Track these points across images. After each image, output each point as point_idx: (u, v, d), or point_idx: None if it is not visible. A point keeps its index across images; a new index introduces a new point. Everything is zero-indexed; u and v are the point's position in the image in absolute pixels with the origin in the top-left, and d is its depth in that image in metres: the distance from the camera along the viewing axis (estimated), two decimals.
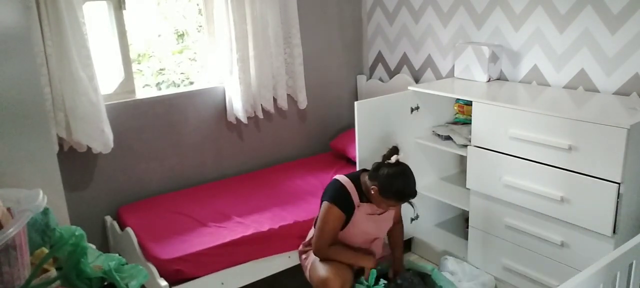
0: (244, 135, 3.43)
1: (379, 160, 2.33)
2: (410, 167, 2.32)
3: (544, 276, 2.44)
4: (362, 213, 2.32)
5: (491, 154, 2.51)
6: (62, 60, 2.55)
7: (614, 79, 2.48)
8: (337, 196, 2.30)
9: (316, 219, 2.41)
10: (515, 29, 2.83)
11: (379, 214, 2.36)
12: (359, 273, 2.37)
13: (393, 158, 2.26)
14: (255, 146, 3.50)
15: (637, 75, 2.40)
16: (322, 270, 2.30)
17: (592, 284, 1.55)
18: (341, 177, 2.36)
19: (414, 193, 2.26)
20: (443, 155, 3.08)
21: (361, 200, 2.32)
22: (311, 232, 2.51)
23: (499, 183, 2.49)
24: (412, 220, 3.08)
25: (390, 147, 2.33)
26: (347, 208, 2.30)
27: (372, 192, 2.26)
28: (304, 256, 2.52)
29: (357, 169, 2.76)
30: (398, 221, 2.56)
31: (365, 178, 2.33)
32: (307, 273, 2.46)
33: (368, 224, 2.35)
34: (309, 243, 2.49)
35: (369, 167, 2.39)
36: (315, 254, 2.35)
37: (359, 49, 3.87)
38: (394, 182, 2.21)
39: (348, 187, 2.31)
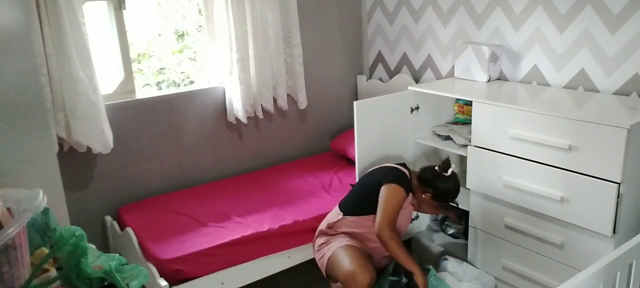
0: (244, 135, 3.43)
1: (428, 167, 2.57)
2: (412, 166, 2.38)
3: (544, 276, 2.44)
4: (407, 202, 2.49)
5: (491, 154, 2.51)
6: (62, 60, 2.55)
7: (614, 79, 2.48)
8: (402, 178, 2.46)
9: (342, 202, 2.56)
10: (515, 29, 2.83)
11: (409, 209, 2.54)
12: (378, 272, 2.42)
13: (449, 171, 2.49)
14: (255, 146, 3.50)
15: (637, 75, 2.40)
16: (347, 263, 2.32)
17: (592, 284, 1.55)
18: (395, 165, 2.54)
19: (455, 197, 2.58)
20: (443, 155, 3.08)
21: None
22: (333, 215, 2.54)
23: (499, 183, 2.49)
24: (412, 220, 3.08)
25: (444, 159, 2.57)
26: (408, 191, 2.46)
27: (424, 196, 2.51)
28: (322, 240, 2.51)
29: (356, 169, 2.77)
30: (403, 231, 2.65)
31: (413, 177, 2.54)
32: (322, 261, 2.46)
33: (403, 214, 2.48)
34: (333, 226, 2.49)
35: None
36: (380, 234, 2.35)
37: (359, 49, 3.87)
38: (451, 192, 2.51)
39: (407, 174, 2.51)
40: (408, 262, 2.34)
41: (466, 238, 2.87)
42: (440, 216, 3.15)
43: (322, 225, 2.56)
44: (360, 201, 2.50)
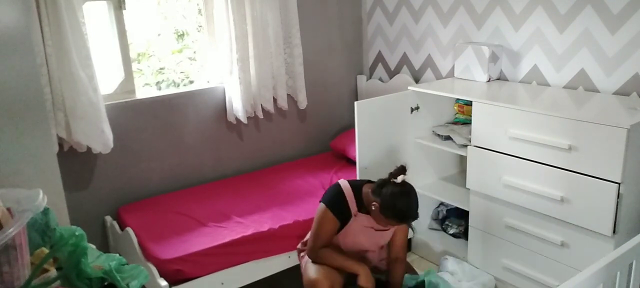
0: (244, 135, 3.43)
1: (385, 176, 2.26)
2: (410, 166, 2.30)
3: (544, 276, 2.45)
4: (358, 223, 2.28)
5: (491, 154, 2.51)
6: (62, 60, 2.55)
7: (614, 79, 2.48)
8: (334, 201, 2.28)
9: None
10: (515, 29, 2.83)
11: (377, 230, 2.29)
12: (350, 278, 2.31)
13: (399, 178, 2.19)
14: (255, 146, 3.50)
15: (637, 75, 2.40)
16: (312, 271, 2.29)
17: (592, 284, 1.55)
18: (343, 183, 2.33)
19: (415, 216, 2.22)
20: (443, 155, 3.08)
21: (360, 210, 2.28)
22: (309, 233, 2.51)
23: (499, 183, 2.49)
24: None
25: (399, 165, 2.26)
26: (341, 215, 2.27)
27: (373, 207, 2.21)
28: (301, 254, 2.52)
29: (357, 169, 2.77)
30: (399, 257, 2.41)
31: (368, 190, 2.27)
32: (303, 272, 2.46)
33: (362, 236, 2.31)
34: (305, 243, 2.49)
35: (372, 177, 2.38)
36: (308, 255, 2.34)
37: (359, 49, 3.87)
38: (397, 202, 2.15)
39: (347, 194, 2.28)
40: (347, 266, 2.27)
41: (467, 238, 2.88)
42: (440, 215, 3.15)
43: (299, 245, 2.55)
44: None
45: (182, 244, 2.50)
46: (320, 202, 2.33)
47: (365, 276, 2.24)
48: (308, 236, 2.47)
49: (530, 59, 2.79)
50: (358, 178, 2.77)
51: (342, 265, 2.28)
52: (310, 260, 2.35)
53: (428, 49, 3.37)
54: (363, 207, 2.28)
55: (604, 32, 2.46)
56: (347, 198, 2.28)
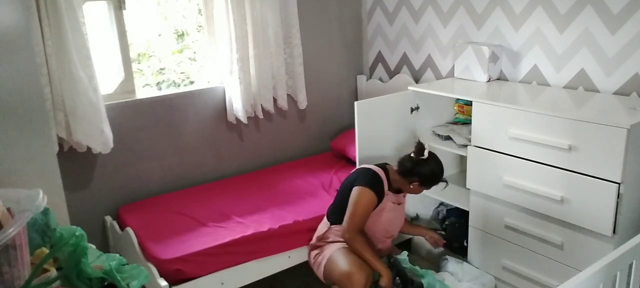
0: (244, 135, 3.43)
1: (404, 156, 2.52)
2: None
3: (544, 276, 2.44)
4: (388, 201, 2.47)
5: (491, 154, 2.51)
6: (62, 60, 2.55)
7: (614, 79, 2.48)
8: (373, 181, 2.42)
9: (328, 212, 2.57)
10: (515, 29, 2.83)
11: (398, 204, 2.54)
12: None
13: (426, 153, 2.46)
14: (255, 146, 3.50)
15: (637, 75, 2.40)
16: (343, 263, 2.33)
17: (592, 284, 1.55)
18: (370, 166, 2.50)
19: (442, 177, 2.53)
20: (443, 155, 3.06)
21: (389, 190, 2.47)
22: (322, 226, 2.55)
23: (499, 183, 2.49)
24: (412, 220, 3.08)
25: (416, 143, 2.50)
26: (379, 193, 2.42)
27: (412, 187, 2.47)
28: (315, 251, 2.53)
29: (357, 166, 2.77)
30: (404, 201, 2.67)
31: (394, 173, 2.50)
32: (319, 269, 2.47)
33: (391, 213, 2.50)
34: (322, 238, 2.50)
35: (372, 164, 2.51)
36: (343, 236, 2.40)
37: (359, 49, 3.87)
38: (435, 174, 2.47)
39: (381, 175, 2.45)
40: (373, 263, 2.35)
41: (451, 248, 2.90)
42: (440, 215, 3.15)
43: (313, 239, 2.58)
44: (343, 208, 2.46)
45: (182, 244, 2.50)
46: (356, 185, 2.43)
47: (387, 278, 2.33)
48: (323, 230, 2.52)
49: (530, 59, 2.79)
50: None
51: (370, 260, 2.36)
52: (335, 253, 2.39)
53: (428, 49, 3.37)
54: (391, 187, 2.49)
55: (604, 32, 2.46)
56: (382, 179, 2.45)
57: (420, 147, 2.47)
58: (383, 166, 2.52)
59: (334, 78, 3.79)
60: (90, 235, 2.16)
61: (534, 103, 2.49)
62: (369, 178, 2.44)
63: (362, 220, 2.39)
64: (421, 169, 2.45)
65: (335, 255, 2.40)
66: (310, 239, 2.62)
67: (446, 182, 2.58)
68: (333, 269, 2.38)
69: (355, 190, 2.42)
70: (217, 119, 3.30)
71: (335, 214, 2.50)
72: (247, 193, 3.07)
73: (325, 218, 2.57)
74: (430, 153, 2.48)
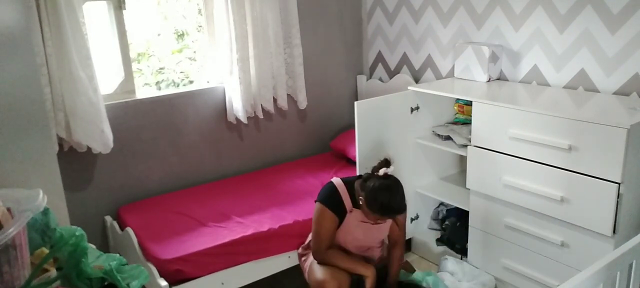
0: (244, 135, 3.43)
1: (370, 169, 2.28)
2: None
3: (544, 276, 2.44)
4: (354, 219, 2.28)
5: (491, 154, 2.51)
6: (62, 60, 2.55)
7: (614, 79, 2.48)
8: (328, 198, 2.29)
9: None
10: (515, 29, 2.83)
11: (373, 224, 2.27)
12: (358, 280, 2.33)
13: (382, 171, 2.19)
14: (255, 146, 3.50)
15: (637, 75, 2.40)
16: (319, 272, 2.30)
17: (592, 284, 1.55)
18: (336, 180, 2.35)
19: (400, 209, 2.18)
20: (443, 155, 3.08)
21: (355, 206, 2.28)
22: (310, 235, 2.51)
23: (499, 183, 2.49)
24: (412, 220, 3.08)
25: (382, 158, 2.26)
26: (337, 210, 2.27)
27: (361, 202, 2.22)
28: (303, 258, 2.52)
29: (357, 169, 2.77)
30: (398, 243, 2.42)
31: (358, 185, 2.27)
32: (306, 275, 2.47)
33: (359, 231, 2.31)
34: (308, 246, 2.49)
35: (370, 167, 2.37)
36: (313, 257, 2.35)
37: (359, 49, 3.87)
38: (379, 195, 2.14)
39: (340, 190, 2.30)
40: (357, 268, 2.28)
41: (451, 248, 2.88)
42: (440, 215, 3.15)
43: (300, 249, 2.58)
44: None
45: (182, 244, 2.50)
46: (315, 201, 2.34)
47: (372, 278, 2.26)
48: (309, 239, 2.47)
49: (530, 59, 2.79)
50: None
51: (349, 266, 2.28)
52: (315, 262, 2.35)
53: (428, 49, 3.37)
54: (357, 203, 2.27)
55: (604, 32, 2.46)
56: (341, 194, 2.29)
57: (382, 163, 2.23)
58: (353, 180, 2.32)
59: (334, 78, 3.79)
60: (90, 235, 2.16)
61: (534, 103, 2.49)
62: (325, 194, 2.30)
63: (325, 238, 2.27)
64: (368, 185, 2.17)
65: (313, 263, 2.38)
66: None
67: (392, 215, 2.24)
68: (311, 277, 2.37)
69: (315, 207, 2.32)
70: (217, 119, 3.30)
71: None
72: (247, 193, 3.07)
73: None
74: (387, 175, 2.18)
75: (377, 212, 2.16)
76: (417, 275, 2.51)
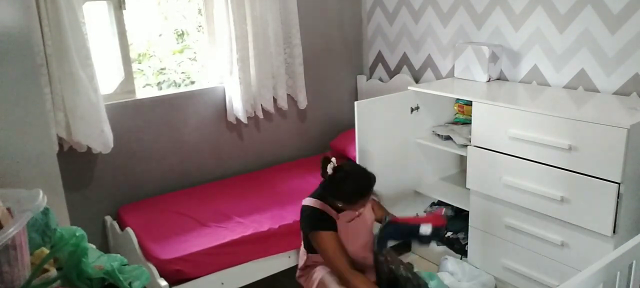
0: (244, 135, 3.43)
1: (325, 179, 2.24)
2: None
3: (544, 276, 2.44)
4: (343, 222, 2.26)
5: (491, 154, 2.51)
6: (62, 60, 2.55)
7: (614, 79, 2.48)
8: (317, 221, 2.24)
9: (304, 240, 2.38)
10: (515, 29, 2.83)
11: (359, 215, 2.30)
12: None
13: (329, 169, 2.20)
14: (255, 146, 3.50)
15: (637, 75, 2.40)
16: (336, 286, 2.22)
17: (592, 284, 1.55)
18: (309, 201, 2.29)
19: (370, 182, 2.19)
20: (443, 155, 3.08)
21: (338, 212, 2.26)
22: (301, 255, 2.43)
23: (499, 183, 2.49)
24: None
25: (322, 160, 2.26)
26: (330, 225, 2.23)
27: (341, 206, 2.21)
28: (303, 278, 2.44)
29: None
30: (375, 205, 2.47)
31: (328, 195, 2.25)
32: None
33: (355, 228, 2.30)
34: (304, 268, 2.42)
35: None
36: (344, 285, 2.21)
37: (359, 49, 3.87)
38: (345, 187, 2.17)
39: (319, 207, 2.25)
40: None
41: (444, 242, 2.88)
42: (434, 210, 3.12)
43: (297, 272, 2.48)
44: (307, 242, 2.36)
45: (182, 244, 2.50)
46: (309, 233, 2.27)
47: None
48: (302, 262, 2.41)
49: (530, 59, 2.79)
50: None
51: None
52: (325, 276, 2.27)
53: (428, 49, 3.37)
54: (337, 208, 2.26)
55: (604, 32, 2.46)
56: (321, 209, 2.25)
57: (324, 164, 2.21)
58: (321, 192, 2.28)
59: (334, 78, 3.79)
60: (91, 235, 2.16)
61: (534, 103, 2.49)
62: (312, 220, 2.25)
63: (340, 257, 2.20)
64: (334, 190, 2.18)
65: (327, 279, 2.28)
66: None
67: (372, 191, 2.22)
68: None
69: (312, 238, 2.25)
70: (217, 119, 3.30)
71: (306, 245, 2.38)
72: (247, 193, 3.07)
73: (302, 248, 2.44)
74: (336, 168, 2.20)
75: (360, 199, 2.19)
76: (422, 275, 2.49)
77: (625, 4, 2.36)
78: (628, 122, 2.01)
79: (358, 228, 2.32)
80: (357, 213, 2.28)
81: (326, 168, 2.22)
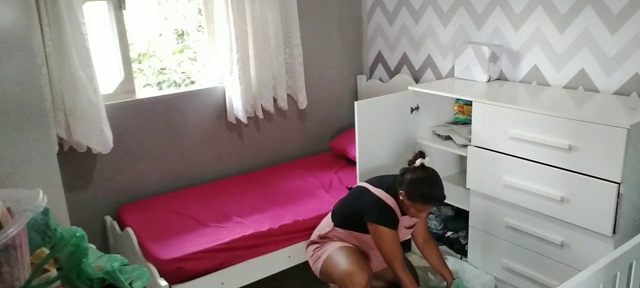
0: (244, 135, 3.43)
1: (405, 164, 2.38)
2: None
3: (544, 276, 2.44)
4: (402, 226, 2.37)
5: (491, 154, 2.51)
6: (62, 60, 2.55)
7: (614, 79, 2.48)
8: (385, 215, 2.32)
9: (334, 211, 2.51)
10: (515, 29, 2.83)
11: (407, 228, 2.42)
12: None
13: (418, 162, 2.30)
14: (255, 146, 3.50)
15: (637, 75, 2.40)
16: (344, 263, 2.33)
17: (592, 284, 1.55)
18: (381, 194, 2.35)
19: (441, 197, 2.29)
20: (443, 155, 3.08)
21: (402, 214, 2.37)
22: (325, 224, 2.53)
23: (499, 183, 2.49)
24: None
25: (416, 152, 2.38)
26: (395, 224, 2.34)
27: (401, 197, 2.30)
28: (315, 245, 2.52)
29: (357, 169, 2.76)
30: (428, 239, 2.58)
31: (397, 181, 2.35)
32: (317, 263, 2.47)
33: (401, 236, 2.41)
34: (324, 236, 2.49)
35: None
36: (395, 275, 2.35)
37: (359, 49, 3.87)
38: (419, 185, 2.25)
39: (391, 205, 2.33)
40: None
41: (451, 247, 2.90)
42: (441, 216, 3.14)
43: (314, 235, 2.57)
44: (350, 219, 2.45)
45: (182, 244, 2.50)
46: (368, 221, 2.34)
47: None
48: (327, 229, 2.48)
49: (530, 59, 2.79)
50: (358, 177, 2.77)
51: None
52: (335, 251, 2.38)
53: (428, 49, 3.37)
54: (402, 210, 2.36)
55: (604, 32, 2.46)
56: (393, 209, 2.34)
57: (417, 155, 2.35)
58: (393, 186, 2.35)
59: (334, 78, 3.79)
60: (91, 235, 2.16)
61: (534, 103, 2.49)
62: (382, 213, 2.32)
63: (398, 255, 2.33)
64: (406, 177, 2.28)
65: (335, 254, 2.39)
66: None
67: (437, 205, 2.39)
68: (333, 268, 2.38)
69: (373, 230, 2.33)
70: (217, 119, 3.30)
71: (341, 218, 2.47)
72: (247, 193, 3.07)
73: (329, 217, 2.54)
74: (424, 166, 2.30)
75: (418, 201, 2.25)
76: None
77: (625, 4, 2.36)
78: (628, 122, 2.01)
79: (404, 235, 2.45)
80: (413, 222, 2.42)
81: (416, 158, 2.32)
